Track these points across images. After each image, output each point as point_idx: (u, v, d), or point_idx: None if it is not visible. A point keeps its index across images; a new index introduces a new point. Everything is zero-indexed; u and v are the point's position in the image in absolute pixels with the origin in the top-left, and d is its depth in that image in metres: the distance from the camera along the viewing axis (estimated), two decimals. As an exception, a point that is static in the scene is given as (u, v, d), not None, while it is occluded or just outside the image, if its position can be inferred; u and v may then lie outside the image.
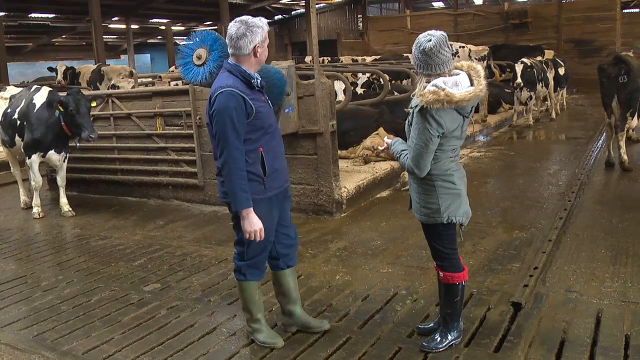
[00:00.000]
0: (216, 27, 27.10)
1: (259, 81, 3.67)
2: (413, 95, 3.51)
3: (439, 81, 3.35)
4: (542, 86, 14.37)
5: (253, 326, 3.97)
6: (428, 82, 3.41)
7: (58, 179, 8.00)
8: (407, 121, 3.64)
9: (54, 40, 31.65)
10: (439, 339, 3.76)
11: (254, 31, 3.53)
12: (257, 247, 3.77)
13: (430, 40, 3.34)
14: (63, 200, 7.96)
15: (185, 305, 4.67)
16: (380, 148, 3.88)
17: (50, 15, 25.74)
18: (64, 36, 31.17)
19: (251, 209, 3.55)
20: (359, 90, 11.90)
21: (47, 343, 4.16)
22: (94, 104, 7.65)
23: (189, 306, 4.65)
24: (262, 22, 3.60)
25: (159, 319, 4.46)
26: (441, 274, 3.76)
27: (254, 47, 3.56)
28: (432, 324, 3.98)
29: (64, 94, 7.55)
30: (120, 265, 5.78)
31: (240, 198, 3.51)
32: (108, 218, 7.68)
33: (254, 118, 3.56)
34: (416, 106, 3.41)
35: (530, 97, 14.17)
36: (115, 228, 7.18)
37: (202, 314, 4.49)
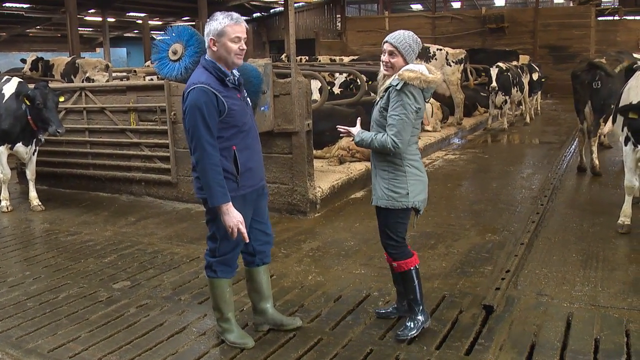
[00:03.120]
0: (194, 23, 26.87)
1: (235, 78, 3.64)
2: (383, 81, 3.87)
3: (410, 66, 3.75)
4: (517, 90, 14.54)
5: (223, 326, 3.92)
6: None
7: (27, 172, 7.84)
8: (377, 107, 3.85)
9: (28, 30, 31.08)
10: (410, 324, 3.92)
11: (209, 24, 3.54)
12: (230, 244, 3.73)
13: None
14: (32, 194, 7.81)
15: (155, 304, 4.60)
16: (351, 139, 4.01)
17: (25, 5, 25.25)
18: (38, 27, 30.62)
19: (230, 203, 3.51)
20: (337, 91, 11.86)
21: (12, 340, 4.06)
22: (62, 98, 7.51)
23: (158, 305, 4.58)
24: (221, 16, 3.53)
25: (127, 317, 4.38)
26: (395, 264, 3.94)
27: (209, 39, 3.53)
28: (390, 309, 4.20)
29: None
30: (89, 261, 5.67)
31: (217, 193, 3.48)
32: (78, 213, 7.55)
33: (226, 116, 3.53)
34: (397, 84, 3.67)
35: (505, 101, 14.32)
36: (85, 224, 7.05)
37: (172, 313, 4.42)
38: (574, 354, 3.66)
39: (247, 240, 3.66)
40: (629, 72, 6.76)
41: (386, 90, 3.77)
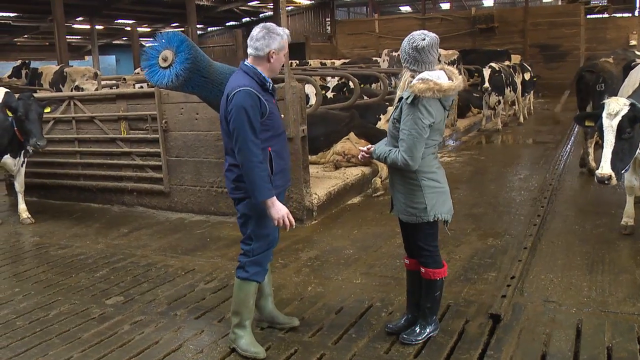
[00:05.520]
0: (183, 29, 26.72)
1: (271, 84, 3.76)
2: (396, 89, 3.76)
3: (424, 74, 3.55)
4: (510, 90, 14.45)
5: (238, 332, 3.83)
6: (412, 77, 3.62)
7: (16, 184, 7.66)
8: (391, 118, 3.73)
9: (15, 39, 30.86)
10: (418, 330, 3.88)
11: (272, 36, 3.64)
12: (263, 245, 3.79)
13: (424, 39, 3.55)
14: (22, 206, 7.61)
15: (150, 320, 4.43)
16: (360, 157, 3.91)
17: (12, 14, 25.06)
18: (26, 36, 30.41)
19: (275, 197, 3.63)
20: (330, 94, 11.74)
21: (1, 363, 3.90)
22: (48, 109, 7.30)
23: (153, 321, 4.41)
24: (283, 32, 3.70)
25: (121, 335, 4.21)
26: (423, 270, 3.83)
27: (269, 51, 3.65)
28: (402, 322, 4.04)
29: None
30: (81, 276, 5.49)
31: (264, 189, 3.58)
32: (69, 225, 7.36)
33: (266, 118, 3.64)
34: (407, 97, 3.54)
35: (499, 102, 14.23)
36: (76, 236, 6.87)
37: (167, 330, 4.25)
38: (588, 364, 3.53)
39: (294, 226, 3.71)
40: (627, 70, 6.67)
41: (399, 100, 3.66)
